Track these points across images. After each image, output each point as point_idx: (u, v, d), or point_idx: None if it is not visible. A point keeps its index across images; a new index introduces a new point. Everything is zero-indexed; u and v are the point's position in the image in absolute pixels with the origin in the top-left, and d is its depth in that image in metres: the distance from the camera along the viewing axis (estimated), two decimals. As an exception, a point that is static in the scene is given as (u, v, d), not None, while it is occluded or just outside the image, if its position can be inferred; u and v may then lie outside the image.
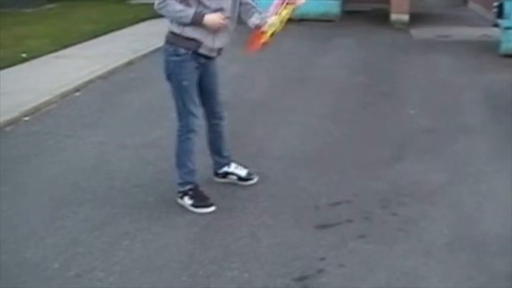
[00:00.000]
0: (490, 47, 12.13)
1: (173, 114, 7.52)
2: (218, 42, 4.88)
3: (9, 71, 9.97)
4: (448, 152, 6.43)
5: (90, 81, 9.41)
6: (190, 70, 4.88)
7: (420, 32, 14.51)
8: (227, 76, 9.69)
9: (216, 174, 5.59)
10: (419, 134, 7.01)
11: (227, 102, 8.01)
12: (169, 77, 4.94)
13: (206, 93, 5.15)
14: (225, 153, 5.52)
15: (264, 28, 4.93)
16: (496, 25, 12.77)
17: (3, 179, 5.74)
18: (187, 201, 5.07)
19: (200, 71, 4.97)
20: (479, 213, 5.04)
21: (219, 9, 4.77)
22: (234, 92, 8.71)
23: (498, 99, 8.52)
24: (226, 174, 5.55)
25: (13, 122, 7.41)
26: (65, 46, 12.10)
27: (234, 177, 5.55)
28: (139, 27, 15.07)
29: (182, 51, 4.80)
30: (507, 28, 11.38)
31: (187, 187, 5.09)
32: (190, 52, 4.81)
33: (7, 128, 7.22)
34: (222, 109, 5.35)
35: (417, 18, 16.11)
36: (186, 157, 5.08)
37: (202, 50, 4.84)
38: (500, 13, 11.50)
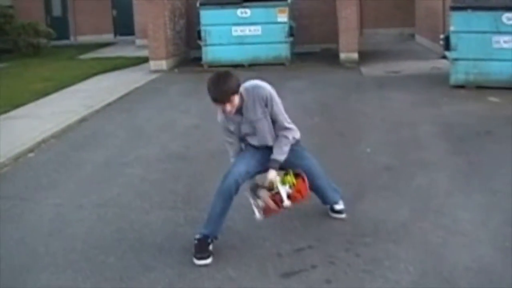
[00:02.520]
0: (440, 79, 12.38)
1: (128, 170, 7.54)
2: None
3: (-41, 135, 9.78)
4: (408, 189, 6.45)
5: (44, 141, 9.27)
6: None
7: (371, 69, 14.72)
8: (182, 128, 9.71)
9: None
10: (378, 172, 7.03)
11: (182, 154, 8.08)
12: None
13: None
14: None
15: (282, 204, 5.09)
16: (444, 57, 13.08)
17: (-41, 247, 5.56)
18: None
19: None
20: (444, 248, 5.02)
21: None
22: (189, 143, 8.67)
23: (453, 131, 8.64)
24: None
25: (-34, 188, 7.23)
26: (17, 106, 11.98)
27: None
28: (90, 82, 15.04)
29: None
30: (455, 59, 11.63)
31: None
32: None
33: (-40, 196, 7.03)
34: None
35: (366, 56, 16.37)
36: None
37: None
38: (447, 45, 11.75)
